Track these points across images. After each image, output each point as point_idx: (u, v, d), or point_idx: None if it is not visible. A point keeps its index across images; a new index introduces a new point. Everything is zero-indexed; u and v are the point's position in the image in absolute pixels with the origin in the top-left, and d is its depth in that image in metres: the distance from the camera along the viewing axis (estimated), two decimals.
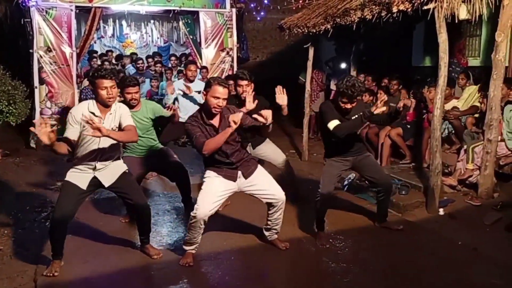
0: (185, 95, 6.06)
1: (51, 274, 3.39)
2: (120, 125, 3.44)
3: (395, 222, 4.36)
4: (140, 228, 3.78)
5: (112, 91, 3.30)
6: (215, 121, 3.47)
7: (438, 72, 4.47)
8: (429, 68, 7.40)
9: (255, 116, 3.29)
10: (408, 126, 6.07)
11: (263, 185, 3.61)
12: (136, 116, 4.24)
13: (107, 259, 3.75)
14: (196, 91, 5.94)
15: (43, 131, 2.95)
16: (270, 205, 3.67)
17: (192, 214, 3.48)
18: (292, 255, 3.83)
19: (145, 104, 4.44)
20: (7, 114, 5.87)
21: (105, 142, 3.37)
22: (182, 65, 8.97)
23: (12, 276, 3.47)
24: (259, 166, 3.70)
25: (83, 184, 3.43)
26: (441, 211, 4.60)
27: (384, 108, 3.67)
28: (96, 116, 3.30)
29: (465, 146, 5.07)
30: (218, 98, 3.34)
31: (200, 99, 6.07)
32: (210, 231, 3.77)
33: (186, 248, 3.65)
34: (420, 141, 5.79)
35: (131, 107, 4.21)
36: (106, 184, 3.51)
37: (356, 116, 3.75)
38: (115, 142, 3.42)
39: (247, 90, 4.38)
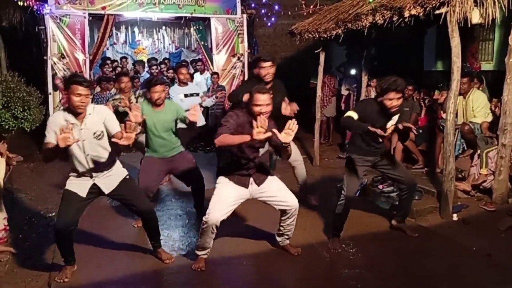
0: (186, 97, 6.08)
1: (61, 280, 3.43)
2: (107, 130, 3.36)
3: (411, 228, 4.31)
4: (149, 233, 3.78)
5: (85, 100, 3.21)
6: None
7: (450, 77, 4.44)
8: (441, 73, 7.36)
9: (276, 132, 3.18)
10: (420, 131, 6.03)
11: (276, 192, 3.60)
12: (159, 115, 4.28)
13: (120, 264, 3.78)
14: (192, 94, 5.93)
15: (64, 136, 2.96)
16: (283, 212, 3.66)
17: (204, 219, 3.49)
18: (305, 261, 3.82)
19: (169, 105, 4.45)
20: (22, 120, 5.91)
21: (93, 154, 3.32)
22: (193, 70, 9.06)
23: (26, 280, 3.50)
24: (272, 173, 3.70)
25: (83, 192, 3.41)
26: (455, 217, 4.55)
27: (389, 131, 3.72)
28: (72, 124, 3.18)
29: (478, 151, 5.02)
30: (261, 105, 3.29)
31: (199, 100, 6.10)
32: (222, 236, 3.78)
33: (198, 253, 3.66)
34: (433, 145, 5.74)
35: (156, 106, 4.26)
36: (106, 191, 3.49)
37: (362, 125, 3.69)
38: (104, 149, 3.37)
39: (271, 72, 4.36)
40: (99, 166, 3.41)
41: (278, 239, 3.87)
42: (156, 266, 3.73)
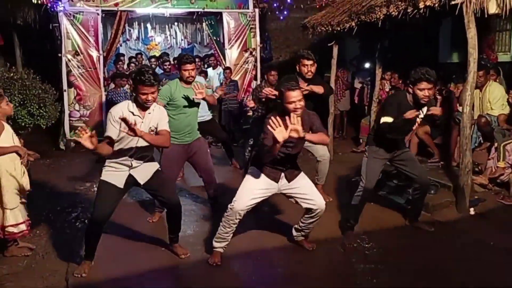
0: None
1: (79, 275, 3.46)
2: (156, 127, 3.47)
3: (427, 223, 4.28)
4: (171, 226, 3.81)
5: (150, 97, 3.33)
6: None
7: (467, 68, 4.36)
8: (456, 65, 7.24)
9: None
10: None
11: (305, 189, 3.59)
12: (190, 92, 4.37)
13: (136, 258, 3.81)
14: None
15: (84, 137, 2.99)
16: (308, 210, 3.63)
17: (229, 206, 3.50)
18: (320, 256, 3.81)
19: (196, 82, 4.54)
20: (38, 117, 6.01)
21: (143, 141, 3.38)
22: (206, 66, 9.06)
23: (44, 275, 3.55)
24: (302, 172, 3.67)
25: (120, 183, 3.46)
26: (472, 211, 4.49)
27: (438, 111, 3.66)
28: (135, 115, 3.35)
29: (496, 144, 4.94)
30: (294, 102, 3.29)
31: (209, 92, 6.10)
32: (237, 231, 3.78)
33: (215, 244, 3.66)
34: (449, 139, 5.66)
35: (187, 83, 4.37)
36: (142, 182, 3.54)
37: (402, 120, 3.66)
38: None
39: (312, 70, 4.52)
40: (142, 158, 3.50)
41: (295, 233, 3.87)
42: (172, 260, 3.75)
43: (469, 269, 3.48)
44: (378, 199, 5.03)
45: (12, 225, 3.71)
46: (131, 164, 3.47)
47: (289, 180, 3.56)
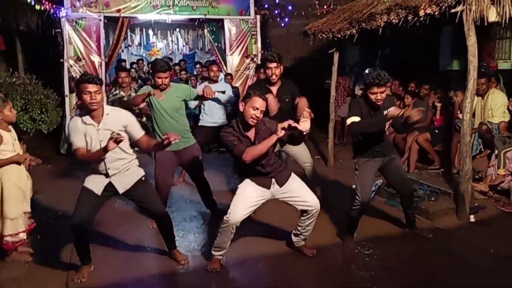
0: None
1: (78, 280, 3.47)
2: (130, 135, 3.43)
3: (426, 230, 4.28)
4: (163, 235, 3.81)
5: (96, 96, 3.27)
6: (251, 134, 3.47)
7: (467, 76, 4.38)
8: (457, 72, 7.27)
9: (294, 124, 3.28)
10: (436, 131, 5.97)
11: (298, 192, 3.61)
12: (166, 94, 4.37)
13: (136, 265, 3.82)
14: (219, 91, 5.96)
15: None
16: (303, 212, 3.66)
17: (224, 218, 3.50)
18: (320, 262, 3.80)
19: (176, 87, 4.57)
20: (40, 122, 6.03)
21: (110, 152, 3.29)
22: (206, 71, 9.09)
23: (44, 280, 3.56)
24: (293, 174, 3.69)
25: (98, 190, 3.44)
26: (472, 218, 4.49)
27: (419, 116, 3.56)
28: (88, 124, 3.30)
29: (496, 151, 4.95)
30: (257, 109, 3.34)
31: (225, 98, 6.14)
32: (237, 237, 3.79)
33: (214, 253, 3.67)
34: (449, 146, 5.67)
35: (161, 90, 4.38)
36: (121, 191, 3.50)
37: (378, 116, 3.74)
38: (122, 151, 3.42)
39: (277, 73, 4.39)
40: (116, 166, 3.45)
41: (294, 239, 3.87)
42: (172, 266, 3.75)
43: (469, 276, 3.48)
44: (378, 206, 5.04)
45: (10, 235, 3.71)
46: (107, 171, 3.42)
47: (280, 185, 3.57)
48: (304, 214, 3.67)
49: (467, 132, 4.47)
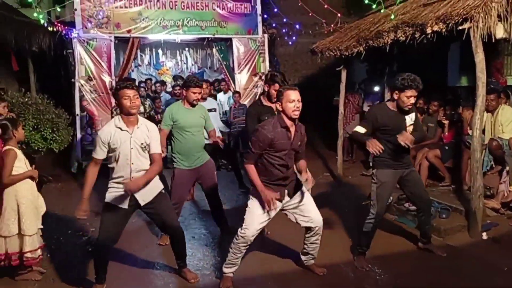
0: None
1: None
2: (148, 145, 3.46)
3: (439, 248, 4.22)
4: (176, 252, 3.80)
5: (135, 100, 3.36)
6: (292, 129, 3.43)
7: (476, 92, 4.38)
8: (465, 88, 7.26)
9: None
10: (446, 148, 5.94)
11: (304, 206, 3.60)
12: (192, 112, 4.52)
13: (146, 283, 3.82)
14: (210, 109, 5.98)
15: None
16: (307, 229, 3.65)
17: (240, 234, 3.47)
18: (330, 281, 3.77)
19: (200, 105, 4.71)
20: (51, 141, 6.10)
21: (138, 161, 3.40)
22: (216, 90, 9.18)
23: None
24: (303, 186, 3.67)
25: (124, 203, 3.44)
26: (484, 235, 4.43)
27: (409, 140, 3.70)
28: (123, 130, 3.37)
29: (507, 168, 4.90)
30: (294, 100, 3.35)
31: (215, 116, 6.18)
32: (246, 255, 3.77)
33: (225, 270, 3.64)
34: (460, 162, 5.63)
35: (190, 105, 4.51)
36: (142, 203, 3.48)
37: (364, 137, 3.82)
38: (147, 160, 3.46)
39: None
40: (139, 174, 3.44)
41: (303, 258, 3.84)
42: (182, 285, 3.73)
43: None
44: (388, 223, 4.99)
45: (30, 251, 3.75)
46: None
47: (291, 196, 3.56)
48: (308, 232, 3.66)
49: (477, 149, 4.45)
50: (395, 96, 3.80)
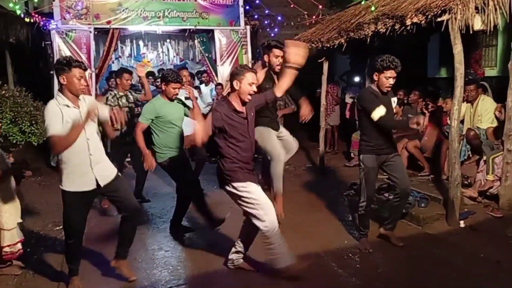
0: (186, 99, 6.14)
1: None
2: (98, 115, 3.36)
3: (398, 238, 4.20)
4: (122, 237, 3.58)
5: (87, 82, 3.38)
6: (243, 110, 3.44)
7: (454, 83, 4.45)
8: (444, 80, 7.36)
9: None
10: (426, 138, 6.02)
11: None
12: (174, 106, 4.54)
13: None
14: (186, 98, 5.96)
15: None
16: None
17: (264, 231, 3.34)
18: (312, 270, 3.78)
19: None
20: (29, 134, 6.00)
21: (91, 136, 3.29)
22: (198, 82, 9.12)
23: None
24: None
25: (87, 185, 3.28)
26: (462, 224, 4.53)
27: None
28: (69, 107, 3.24)
29: (484, 157, 5.00)
30: (253, 84, 3.36)
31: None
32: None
33: (285, 260, 3.47)
34: (439, 152, 5.73)
35: (170, 100, 4.53)
36: (102, 183, 3.31)
37: (403, 119, 3.83)
38: (98, 135, 3.41)
39: (281, 62, 4.40)
40: (97, 154, 3.34)
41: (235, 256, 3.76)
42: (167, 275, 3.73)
43: (459, 281, 3.50)
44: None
45: (9, 245, 3.69)
46: (90, 160, 3.27)
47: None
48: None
49: (455, 139, 4.53)
50: (375, 78, 3.87)
